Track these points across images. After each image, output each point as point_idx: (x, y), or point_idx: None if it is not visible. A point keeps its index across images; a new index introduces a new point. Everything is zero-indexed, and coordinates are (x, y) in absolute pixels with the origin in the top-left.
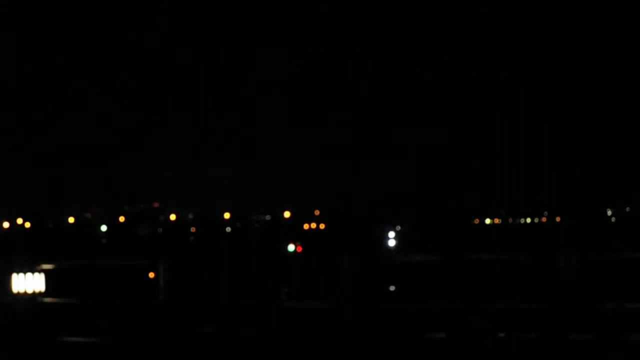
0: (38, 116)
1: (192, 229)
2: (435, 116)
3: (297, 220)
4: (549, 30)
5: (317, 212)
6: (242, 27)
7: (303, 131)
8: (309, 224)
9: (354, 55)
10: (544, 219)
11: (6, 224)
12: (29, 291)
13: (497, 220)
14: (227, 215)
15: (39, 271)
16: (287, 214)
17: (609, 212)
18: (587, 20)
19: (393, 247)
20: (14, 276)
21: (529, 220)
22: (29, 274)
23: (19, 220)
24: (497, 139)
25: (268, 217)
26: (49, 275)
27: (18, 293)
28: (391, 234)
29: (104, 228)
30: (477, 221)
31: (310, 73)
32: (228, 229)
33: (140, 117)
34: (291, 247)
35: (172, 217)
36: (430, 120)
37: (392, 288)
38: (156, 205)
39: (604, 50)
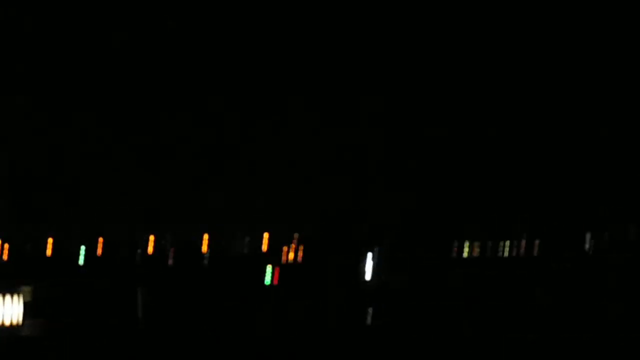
0: (13, 142)
1: (171, 255)
2: (417, 147)
3: (275, 246)
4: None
5: (295, 236)
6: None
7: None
8: (288, 249)
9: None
10: (522, 243)
11: None
12: (8, 313)
13: (476, 245)
14: (205, 242)
15: (19, 293)
16: (265, 240)
17: (588, 237)
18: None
19: (372, 269)
20: None
21: (507, 243)
22: (7, 296)
23: None
24: (475, 162)
25: (247, 242)
26: (28, 298)
27: None
28: (369, 256)
29: (82, 250)
30: (456, 245)
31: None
32: (206, 256)
33: (111, 145)
34: (269, 273)
35: (151, 242)
36: (412, 148)
37: (370, 310)
38: (135, 230)
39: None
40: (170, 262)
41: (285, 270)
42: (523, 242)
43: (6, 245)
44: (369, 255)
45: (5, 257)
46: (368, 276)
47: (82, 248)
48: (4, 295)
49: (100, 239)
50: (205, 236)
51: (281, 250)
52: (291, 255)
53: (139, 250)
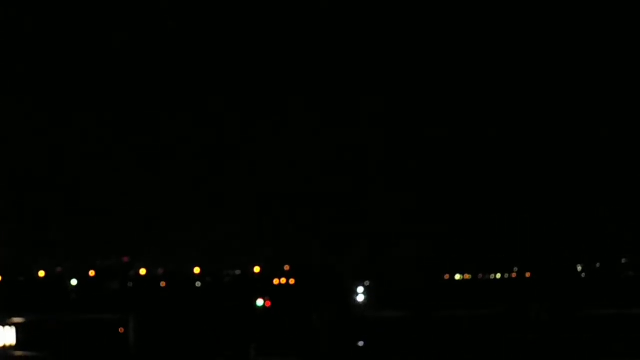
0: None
1: (163, 284)
2: (404, 177)
3: (267, 275)
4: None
5: (287, 268)
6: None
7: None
8: (279, 279)
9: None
10: (513, 275)
11: None
12: (0, 344)
13: (467, 276)
14: (197, 270)
15: (10, 324)
16: (257, 269)
17: (579, 268)
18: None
19: (362, 302)
20: None
21: (499, 275)
22: None
23: None
24: (465, 194)
25: (238, 272)
26: (19, 329)
27: None
28: (360, 289)
29: (74, 282)
30: (447, 277)
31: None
32: (198, 284)
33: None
34: (260, 302)
35: (142, 271)
36: (400, 181)
37: (360, 343)
38: (126, 259)
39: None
40: (162, 290)
41: (277, 295)
42: (514, 274)
43: None
44: (360, 288)
45: None
46: (359, 308)
47: (74, 280)
48: None
49: (92, 272)
50: (197, 269)
51: (272, 279)
52: (283, 280)
53: (130, 277)
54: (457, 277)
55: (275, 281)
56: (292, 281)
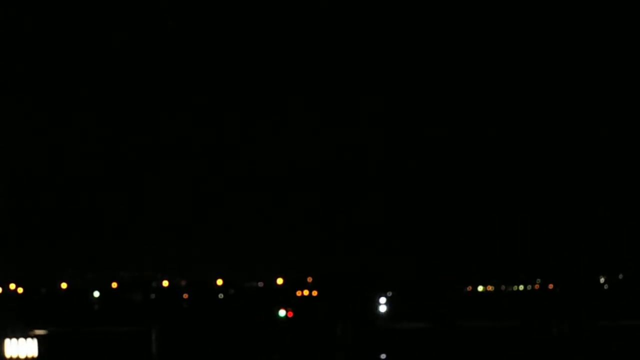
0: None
1: (185, 296)
2: (429, 183)
3: (289, 286)
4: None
5: (309, 279)
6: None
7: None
8: (302, 291)
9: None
10: (536, 286)
11: None
12: (22, 356)
13: (490, 288)
14: (219, 282)
15: (32, 337)
16: (279, 281)
17: (602, 280)
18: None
19: (384, 313)
20: (7, 341)
21: (521, 287)
22: (22, 339)
23: (12, 286)
24: (488, 205)
25: (261, 284)
26: (41, 341)
27: (11, 358)
28: (382, 300)
29: (96, 294)
30: (469, 288)
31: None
32: (221, 296)
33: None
34: (282, 313)
35: (165, 283)
36: (421, 186)
37: (383, 356)
38: (148, 273)
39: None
40: (184, 301)
41: (300, 306)
42: (537, 286)
43: (21, 290)
44: (382, 299)
45: (20, 301)
46: (381, 319)
47: (96, 292)
48: (18, 339)
49: (114, 284)
50: (220, 280)
51: (295, 291)
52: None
53: (153, 289)
54: (480, 288)
55: (298, 293)
56: (314, 293)
